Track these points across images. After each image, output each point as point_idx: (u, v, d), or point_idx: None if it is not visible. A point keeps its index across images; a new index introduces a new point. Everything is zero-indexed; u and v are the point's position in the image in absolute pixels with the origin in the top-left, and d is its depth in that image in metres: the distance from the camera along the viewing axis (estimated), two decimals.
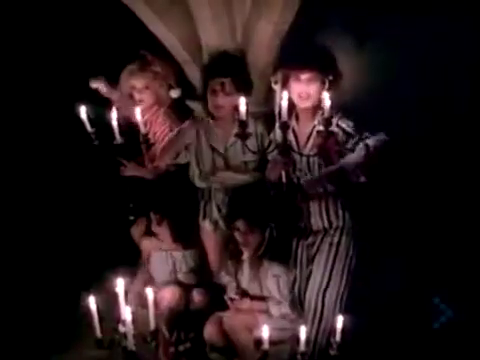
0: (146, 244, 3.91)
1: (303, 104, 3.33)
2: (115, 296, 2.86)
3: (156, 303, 3.04)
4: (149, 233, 3.88)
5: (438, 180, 3.99)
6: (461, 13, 3.83)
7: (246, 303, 3.53)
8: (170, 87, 3.94)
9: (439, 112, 3.94)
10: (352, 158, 3.14)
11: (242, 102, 3.14)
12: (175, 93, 3.96)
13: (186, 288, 3.78)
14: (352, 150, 3.19)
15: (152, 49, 3.95)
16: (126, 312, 2.76)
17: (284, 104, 3.07)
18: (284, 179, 3.29)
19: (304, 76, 3.26)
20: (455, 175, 3.98)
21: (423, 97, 3.93)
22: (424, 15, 3.82)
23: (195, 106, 3.93)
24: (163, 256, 3.84)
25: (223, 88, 3.50)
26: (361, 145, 3.16)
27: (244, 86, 3.52)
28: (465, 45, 3.90)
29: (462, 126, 3.98)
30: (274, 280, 3.45)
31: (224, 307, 3.61)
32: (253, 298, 3.54)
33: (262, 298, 3.53)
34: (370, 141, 3.16)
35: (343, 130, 3.26)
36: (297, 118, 3.43)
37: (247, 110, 3.16)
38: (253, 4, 3.59)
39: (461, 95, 3.95)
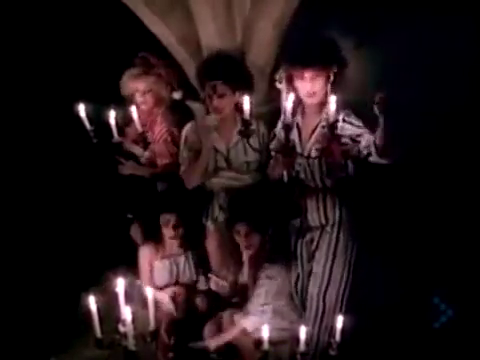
0: (146, 253, 3.81)
1: (311, 101, 3.33)
2: (115, 296, 2.86)
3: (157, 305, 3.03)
4: (148, 240, 3.86)
5: (438, 178, 3.99)
6: (461, 13, 3.84)
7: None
8: (172, 89, 3.95)
9: (437, 112, 3.95)
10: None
11: (246, 101, 3.15)
12: (177, 95, 3.97)
13: (189, 293, 3.77)
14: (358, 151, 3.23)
15: (152, 49, 3.95)
16: (126, 312, 2.76)
17: (289, 106, 3.07)
18: (285, 179, 3.30)
19: (308, 74, 3.25)
20: (455, 173, 3.98)
21: (422, 98, 3.93)
22: (423, 15, 3.83)
23: (195, 107, 3.93)
24: (166, 264, 3.80)
25: (215, 91, 3.48)
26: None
27: (240, 85, 3.49)
28: (465, 45, 3.91)
29: (460, 127, 3.99)
30: (266, 281, 3.43)
31: (223, 308, 3.61)
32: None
33: None
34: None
35: (351, 123, 3.28)
36: (303, 112, 3.44)
37: (251, 109, 3.17)
38: (253, 4, 3.60)
39: (461, 95, 3.95)
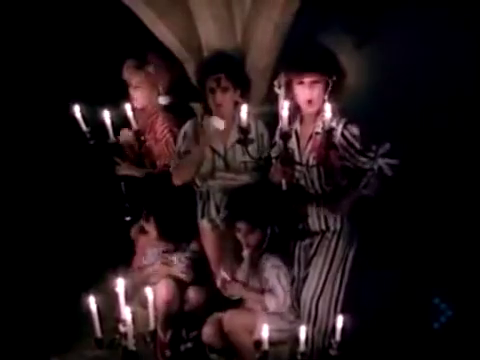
0: (142, 240, 3.96)
1: (309, 110, 3.33)
2: (115, 296, 2.86)
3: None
4: (141, 232, 3.94)
5: (437, 178, 3.99)
6: (461, 13, 3.84)
7: (236, 288, 3.48)
8: (158, 93, 3.97)
9: (436, 113, 3.95)
10: (370, 187, 3.26)
11: (244, 109, 3.16)
12: (163, 100, 3.99)
13: (181, 285, 3.78)
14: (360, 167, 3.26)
15: (151, 49, 3.96)
16: (126, 312, 2.76)
17: (285, 114, 3.07)
18: (284, 186, 3.29)
19: (307, 79, 3.26)
20: (455, 173, 3.98)
21: (422, 97, 3.93)
22: (423, 15, 3.83)
23: (197, 106, 3.93)
24: (155, 252, 3.87)
25: (219, 84, 3.49)
26: (375, 170, 3.24)
27: (240, 81, 3.52)
28: (466, 45, 3.91)
29: (458, 128, 3.99)
30: (274, 271, 3.43)
31: (222, 307, 3.60)
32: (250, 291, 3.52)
33: (261, 292, 3.50)
34: (382, 165, 3.22)
35: (346, 139, 3.27)
36: (301, 120, 3.43)
37: (248, 117, 3.17)
38: (253, 4, 3.60)
39: (461, 95, 3.95)
